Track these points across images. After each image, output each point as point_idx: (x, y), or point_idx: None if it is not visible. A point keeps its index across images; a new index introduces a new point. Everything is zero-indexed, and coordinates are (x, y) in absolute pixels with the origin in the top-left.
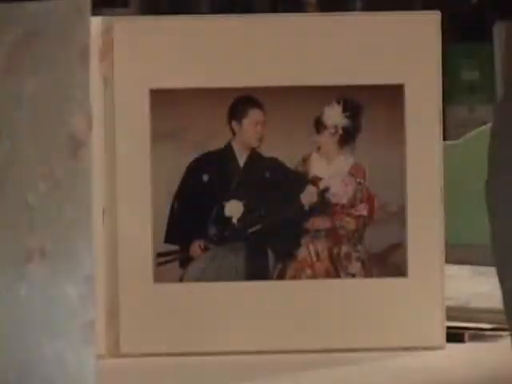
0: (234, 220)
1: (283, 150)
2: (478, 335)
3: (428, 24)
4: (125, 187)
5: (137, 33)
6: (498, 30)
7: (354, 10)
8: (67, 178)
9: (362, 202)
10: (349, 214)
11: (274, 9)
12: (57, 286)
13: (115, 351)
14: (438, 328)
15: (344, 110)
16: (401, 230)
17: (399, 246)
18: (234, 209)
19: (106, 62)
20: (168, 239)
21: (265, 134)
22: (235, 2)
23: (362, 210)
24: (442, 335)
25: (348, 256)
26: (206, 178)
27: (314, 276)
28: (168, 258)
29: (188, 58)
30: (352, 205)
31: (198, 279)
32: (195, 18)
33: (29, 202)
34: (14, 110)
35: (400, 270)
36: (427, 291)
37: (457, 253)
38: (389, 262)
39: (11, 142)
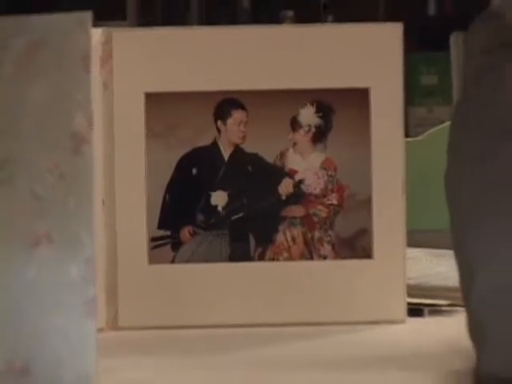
0: (220, 208)
1: (263, 146)
2: (436, 310)
3: (391, 34)
4: (122, 180)
5: (133, 42)
6: (455, 39)
7: (326, 21)
8: (71, 172)
9: (332, 192)
10: (321, 203)
11: (255, 21)
12: (62, 267)
13: (114, 325)
14: (399, 304)
15: (317, 111)
16: (367, 217)
17: (366, 232)
18: (219, 198)
19: (106, 69)
20: (161, 225)
21: (247, 133)
22: (221, 15)
23: (333, 199)
24: (403, 310)
25: (320, 240)
26: (194, 171)
27: (290, 258)
28: (161, 242)
29: (179, 65)
30: (324, 195)
31: (188, 261)
32: (185, 29)
33: (37, 193)
34: (21, 111)
35: (366, 253)
36: (390, 271)
37: (417, 237)
38: (356, 245)
39: (21, 141)
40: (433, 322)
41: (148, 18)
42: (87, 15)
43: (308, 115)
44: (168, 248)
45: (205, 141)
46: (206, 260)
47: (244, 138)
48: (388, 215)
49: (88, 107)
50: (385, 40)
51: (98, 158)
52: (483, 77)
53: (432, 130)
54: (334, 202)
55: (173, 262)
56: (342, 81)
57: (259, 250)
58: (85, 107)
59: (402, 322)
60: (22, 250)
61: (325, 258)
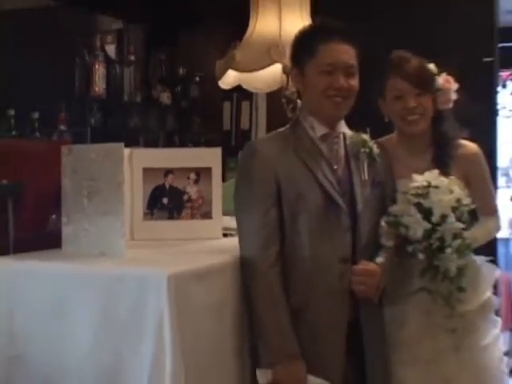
0: (165, 203)
1: (180, 185)
2: (232, 235)
3: (216, 152)
4: (136, 199)
5: (141, 155)
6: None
7: (203, 146)
8: (117, 193)
9: (200, 199)
10: (197, 202)
11: (169, 145)
12: (114, 223)
13: (132, 238)
14: (219, 231)
15: (195, 175)
16: (210, 207)
17: (210, 211)
18: (165, 200)
19: (130, 163)
20: (147, 208)
21: (173, 180)
22: (172, 143)
23: (200, 201)
24: (220, 233)
25: (197, 214)
26: (157, 192)
27: (188, 219)
28: (146, 214)
29: (155, 158)
30: (197, 200)
31: (155, 219)
32: (156, 150)
33: (107, 199)
34: (102, 175)
35: (208, 217)
36: (218, 224)
37: (228, 213)
38: (208, 215)
39: (99, 184)
40: (230, 240)
41: (147, 144)
42: (121, 144)
43: (193, 176)
44: (149, 215)
45: (160, 182)
46: (160, 219)
47: (173, 181)
48: (217, 205)
49: (122, 174)
50: (214, 153)
51: (127, 192)
52: (239, 171)
53: (230, 180)
54: (200, 202)
55: (151, 220)
56: (202, 164)
57: (177, 216)
58: (122, 173)
59: (219, 238)
60: (101, 217)
61: (197, 219)
